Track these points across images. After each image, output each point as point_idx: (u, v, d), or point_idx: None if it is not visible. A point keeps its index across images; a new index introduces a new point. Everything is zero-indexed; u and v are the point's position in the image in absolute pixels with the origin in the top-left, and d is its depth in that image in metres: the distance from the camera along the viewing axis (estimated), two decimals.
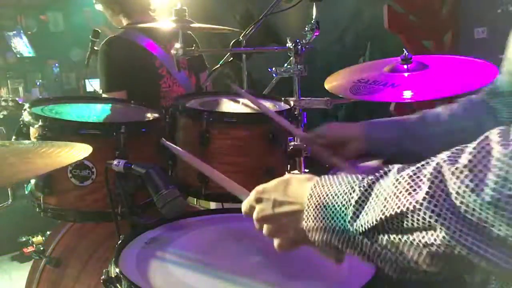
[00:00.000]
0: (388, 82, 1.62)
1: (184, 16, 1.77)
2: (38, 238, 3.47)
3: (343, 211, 0.69)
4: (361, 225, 0.67)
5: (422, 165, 0.63)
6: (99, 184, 1.28)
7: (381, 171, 0.69)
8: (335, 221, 0.70)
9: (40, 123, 1.30)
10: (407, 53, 1.72)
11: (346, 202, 0.69)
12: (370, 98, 1.58)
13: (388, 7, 3.23)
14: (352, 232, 0.68)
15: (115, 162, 1.18)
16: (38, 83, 4.97)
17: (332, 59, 4.04)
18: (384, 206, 0.64)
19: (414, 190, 0.61)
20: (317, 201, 0.73)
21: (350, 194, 0.69)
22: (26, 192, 1.42)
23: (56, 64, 5.12)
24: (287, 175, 0.83)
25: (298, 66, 1.74)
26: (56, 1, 5.05)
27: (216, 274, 0.91)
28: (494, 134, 0.58)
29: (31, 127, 1.33)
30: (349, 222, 0.68)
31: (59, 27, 5.06)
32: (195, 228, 1.14)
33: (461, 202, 0.57)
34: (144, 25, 2.15)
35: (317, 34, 1.77)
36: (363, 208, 0.67)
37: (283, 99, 1.66)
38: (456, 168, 0.58)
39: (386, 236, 0.65)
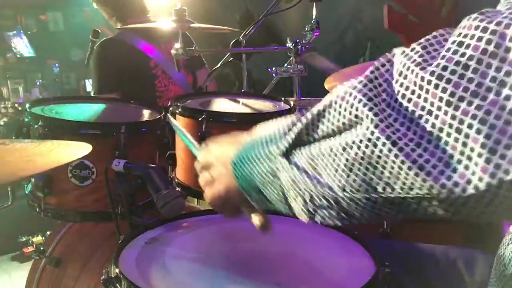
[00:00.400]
0: None
1: (184, 16, 1.77)
2: (38, 238, 3.46)
3: (275, 137, 0.65)
4: (287, 143, 0.63)
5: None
6: (99, 184, 1.28)
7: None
8: (264, 148, 0.66)
9: (40, 123, 1.30)
10: None
11: (283, 130, 0.65)
12: None
13: (388, 7, 3.23)
14: (275, 154, 0.64)
15: (115, 162, 1.18)
16: (38, 83, 4.97)
17: (332, 59, 4.05)
18: (317, 107, 0.60)
19: (356, 80, 0.55)
20: (252, 138, 0.71)
21: (279, 130, 0.66)
22: (26, 192, 1.42)
23: (56, 64, 5.12)
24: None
25: (298, 66, 1.75)
26: (56, 1, 5.05)
27: (215, 274, 0.91)
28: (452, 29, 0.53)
29: (31, 127, 1.33)
30: (276, 145, 0.65)
31: (59, 27, 5.05)
32: (195, 228, 1.14)
33: (401, 85, 0.50)
34: (142, 25, 2.16)
35: (317, 34, 1.77)
36: (295, 124, 0.64)
37: (283, 99, 1.66)
38: (410, 49, 0.53)
39: (306, 150, 0.60)
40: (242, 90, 1.99)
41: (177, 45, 1.80)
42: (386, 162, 0.50)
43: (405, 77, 0.50)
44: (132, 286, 0.83)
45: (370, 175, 0.52)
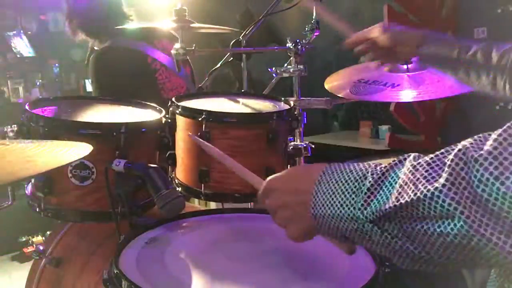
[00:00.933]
0: (388, 82, 1.62)
1: (184, 16, 1.77)
2: (38, 238, 3.47)
3: (353, 198, 0.68)
4: (372, 213, 0.65)
5: (442, 152, 0.62)
6: (99, 184, 1.28)
7: (395, 159, 0.68)
8: (343, 208, 0.68)
9: (40, 123, 1.30)
10: None
11: (357, 189, 0.67)
12: (370, 98, 1.58)
13: (388, 7, 3.23)
14: (362, 220, 0.66)
15: (115, 162, 1.18)
16: (38, 83, 4.97)
17: (332, 59, 4.05)
18: (399, 193, 0.62)
19: (433, 177, 0.60)
20: (326, 187, 0.71)
21: (362, 181, 0.68)
22: (26, 193, 1.42)
23: (56, 64, 5.12)
24: (298, 166, 0.84)
25: (298, 66, 1.74)
26: (56, 1, 5.05)
27: (216, 274, 0.91)
28: None
29: (31, 127, 1.33)
30: (359, 209, 0.67)
31: (59, 27, 5.05)
32: (195, 228, 1.14)
33: (483, 190, 0.55)
34: (142, 25, 2.18)
35: (317, 34, 1.77)
36: (375, 195, 0.66)
37: (283, 99, 1.66)
38: (480, 155, 0.56)
39: (398, 225, 0.63)
40: (242, 90, 1.99)
41: (177, 45, 1.80)
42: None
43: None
44: (132, 286, 0.83)
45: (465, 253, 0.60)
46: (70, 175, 1.30)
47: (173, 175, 1.56)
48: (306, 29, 1.78)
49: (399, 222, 0.63)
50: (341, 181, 0.70)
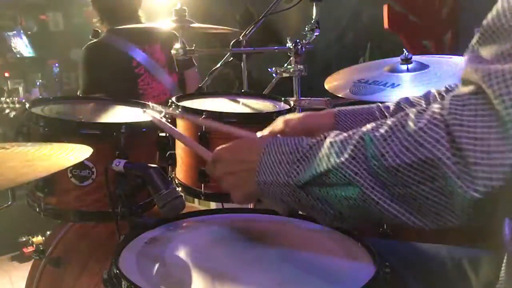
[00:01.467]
0: (388, 82, 1.62)
1: (184, 16, 1.77)
2: (38, 238, 3.46)
3: (288, 168, 0.81)
4: (299, 180, 0.79)
5: (354, 132, 0.75)
6: (99, 184, 1.28)
7: (322, 135, 0.81)
8: (281, 176, 0.82)
9: (40, 123, 1.30)
10: (407, 53, 1.72)
11: (291, 160, 0.81)
12: (370, 98, 1.58)
13: (388, 7, 3.23)
14: (293, 186, 0.80)
15: (115, 162, 1.18)
16: (38, 83, 4.96)
17: (332, 59, 4.04)
18: (318, 165, 0.77)
19: (341, 152, 0.74)
20: (269, 158, 0.84)
21: (295, 154, 0.81)
22: (26, 192, 1.42)
23: (56, 64, 5.11)
24: (243, 138, 1.03)
25: (298, 66, 1.75)
26: (56, 1, 5.04)
27: (216, 274, 0.91)
28: (411, 111, 0.69)
29: (31, 127, 1.33)
30: (291, 177, 0.80)
31: (59, 27, 5.05)
32: (195, 228, 1.14)
33: (374, 165, 0.70)
34: (142, 25, 2.20)
35: (317, 34, 1.77)
36: (302, 166, 0.79)
37: (283, 99, 1.66)
38: (375, 136, 0.71)
39: (317, 190, 0.78)
40: (242, 90, 1.99)
41: (177, 45, 1.80)
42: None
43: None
44: (132, 286, 0.83)
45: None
46: (70, 175, 1.30)
47: (173, 175, 1.56)
48: (306, 29, 1.78)
49: (318, 188, 0.77)
50: (281, 153, 0.83)
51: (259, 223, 1.16)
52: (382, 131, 0.70)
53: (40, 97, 4.41)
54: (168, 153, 1.50)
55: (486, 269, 0.96)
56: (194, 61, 2.73)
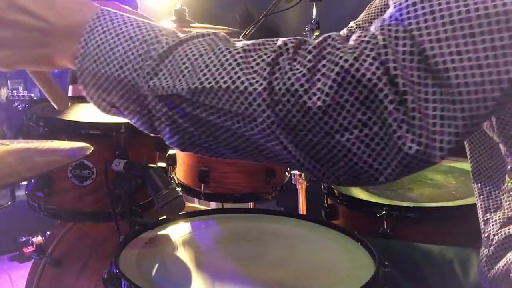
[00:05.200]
0: None
1: (184, 16, 1.77)
2: (38, 238, 3.46)
3: (138, 63, 0.56)
4: (162, 87, 0.55)
5: (263, 42, 0.56)
6: (99, 184, 1.28)
7: (202, 32, 0.58)
8: (123, 71, 0.56)
9: (40, 123, 1.30)
10: None
11: (145, 52, 0.56)
12: None
13: None
14: (145, 92, 0.56)
15: (115, 162, 1.18)
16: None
17: None
18: (204, 74, 0.53)
19: (248, 66, 0.53)
20: (102, 38, 0.57)
21: (153, 43, 0.56)
22: (26, 192, 1.42)
23: None
24: None
25: None
26: None
27: (216, 274, 0.91)
28: (334, 36, 0.53)
29: (31, 127, 1.33)
30: (144, 78, 0.56)
31: None
32: (195, 228, 1.14)
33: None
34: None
35: (317, 34, 1.77)
36: (167, 67, 0.55)
37: None
38: (295, 60, 0.52)
39: (191, 108, 0.54)
40: None
41: None
42: None
43: None
44: (132, 286, 0.83)
45: None
46: (70, 175, 1.30)
47: (173, 175, 1.56)
48: (306, 29, 1.78)
49: (193, 106, 0.54)
50: (124, 36, 0.57)
51: (259, 223, 1.16)
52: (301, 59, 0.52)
53: (41, 97, 4.43)
54: (168, 153, 1.50)
55: (476, 269, 0.96)
56: None
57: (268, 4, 1.96)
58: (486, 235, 0.84)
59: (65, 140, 1.18)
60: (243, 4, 4.54)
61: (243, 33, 1.98)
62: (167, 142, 0.61)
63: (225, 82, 0.52)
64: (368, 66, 0.47)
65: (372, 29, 0.50)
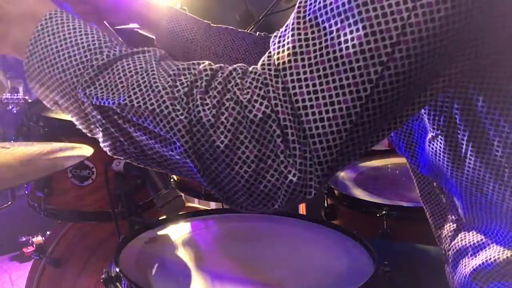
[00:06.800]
0: None
1: None
2: (38, 238, 3.46)
3: (79, 69, 0.58)
4: (97, 97, 0.57)
5: (188, 67, 0.57)
6: (99, 184, 1.28)
7: (144, 48, 0.61)
8: (66, 74, 0.59)
9: (40, 123, 1.30)
10: None
11: (87, 61, 0.58)
12: None
13: None
14: (81, 98, 0.59)
15: (115, 162, 1.18)
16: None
17: None
18: (135, 94, 0.56)
19: (172, 91, 0.55)
20: (50, 40, 0.60)
21: (96, 53, 0.59)
22: (26, 192, 1.42)
23: None
24: None
25: None
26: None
27: (216, 274, 0.92)
28: (237, 70, 0.56)
29: (31, 127, 1.34)
30: (82, 85, 0.58)
31: None
32: (195, 228, 1.14)
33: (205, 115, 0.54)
34: (128, 26, 2.21)
35: None
36: (105, 79, 0.58)
37: None
38: (206, 92, 0.54)
39: (122, 120, 0.58)
40: None
41: None
42: None
43: None
44: (132, 286, 0.83)
45: None
46: (70, 175, 1.30)
47: (173, 175, 1.56)
48: None
49: (123, 119, 0.57)
50: (71, 41, 0.60)
51: (259, 223, 1.16)
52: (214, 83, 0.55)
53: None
54: None
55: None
56: None
57: (268, 4, 1.95)
58: (443, 253, 0.84)
59: (64, 141, 1.18)
60: (243, 4, 4.54)
61: None
62: (101, 145, 0.65)
63: (151, 104, 0.55)
64: (259, 107, 0.52)
65: (259, 63, 0.55)
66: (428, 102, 0.57)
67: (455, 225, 0.80)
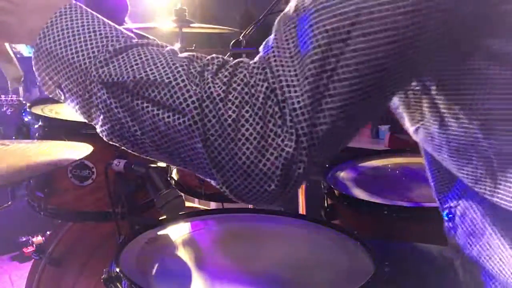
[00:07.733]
0: None
1: (184, 16, 1.77)
2: (38, 238, 3.46)
3: (94, 52, 0.62)
4: (109, 75, 0.60)
5: (201, 56, 0.62)
6: (99, 184, 1.28)
7: (158, 42, 0.65)
8: (78, 55, 0.62)
9: (40, 123, 1.30)
10: None
11: (103, 46, 0.62)
12: None
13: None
14: (92, 77, 0.61)
15: (115, 162, 1.18)
16: (38, 83, 4.96)
17: None
18: (149, 66, 0.60)
19: (188, 68, 0.60)
20: (67, 25, 0.63)
21: (112, 40, 0.62)
22: (26, 192, 1.42)
23: None
24: None
25: None
26: None
27: (216, 274, 0.92)
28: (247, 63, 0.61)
29: (31, 127, 1.34)
30: (95, 65, 0.61)
31: None
32: (195, 228, 1.14)
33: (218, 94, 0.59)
34: (141, 25, 2.18)
35: None
36: (118, 59, 0.61)
37: None
38: (216, 75, 0.59)
39: (129, 98, 0.60)
40: None
41: (178, 45, 1.80)
42: None
43: None
44: (132, 286, 0.83)
45: None
46: (70, 175, 1.30)
47: (172, 175, 1.56)
48: None
49: (132, 96, 0.60)
50: (88, 28, 0.63)
51: (259, 223, 1.16)
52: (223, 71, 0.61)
53: (40, 97, 4.43)
54: None
55: (477, 270, 0.96)
56: None
57: (268, 4, 1.95)
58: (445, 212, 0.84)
59: (64, 140, 1.18)
60: (243, 4, 4.54)
61: (243, 33, 1.98)
62: (98, 131, 0.66)
63: (168, 78, 0.59)
64: (261, 89, 0.57)
65: (259, 55, 0.61)
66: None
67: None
